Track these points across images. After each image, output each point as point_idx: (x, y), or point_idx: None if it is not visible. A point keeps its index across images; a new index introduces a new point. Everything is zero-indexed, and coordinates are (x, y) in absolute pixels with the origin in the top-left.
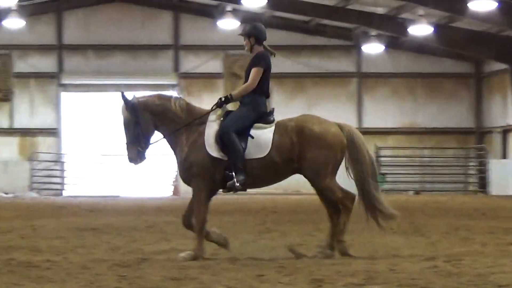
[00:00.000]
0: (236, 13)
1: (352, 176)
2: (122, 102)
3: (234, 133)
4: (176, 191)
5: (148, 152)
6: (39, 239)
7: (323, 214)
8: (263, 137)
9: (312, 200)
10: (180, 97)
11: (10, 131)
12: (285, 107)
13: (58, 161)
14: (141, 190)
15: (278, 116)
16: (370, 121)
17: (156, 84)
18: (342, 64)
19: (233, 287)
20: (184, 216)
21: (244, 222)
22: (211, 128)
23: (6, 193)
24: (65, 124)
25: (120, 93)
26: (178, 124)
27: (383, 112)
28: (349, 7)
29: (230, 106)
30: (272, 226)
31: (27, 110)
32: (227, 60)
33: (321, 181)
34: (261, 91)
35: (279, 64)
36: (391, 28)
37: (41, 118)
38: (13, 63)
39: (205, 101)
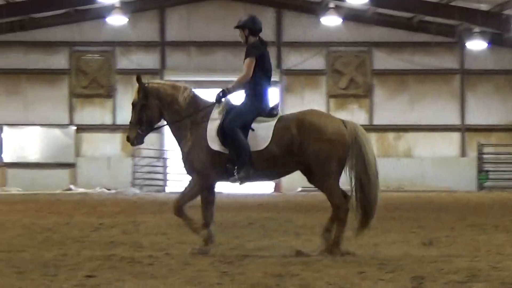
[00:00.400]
0: (339, 10)
1: (351, 175)
2: (136, 84)
3: (238, 129)
4: (278, 188)
5: (147, 137)
6: (141, 235)
7: (425, 211)
8: (263, 130)
9: (415, 196)
10: (188, 88)
11: (113, 128)
12: (387, 103)
13: (160, 157)
14: (243, 187)
15: (381, 113)
16: (473, 118)
17: None
18: (445, 61)
19: (334, 284)
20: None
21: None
22: (213, 123)
23: (109, 189)
24: None
25: (136, 76)
26: (181, 116)
27: (486, 109)
28: (453, 3)
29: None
30: (374, 222)
31: (129, 106)
32: (329, 56)
33: (325, 179)
34: (265, 78)
35: (382, 61)
36: (495, 24)
37: None
38: (116, 60)
39: (307, 97)
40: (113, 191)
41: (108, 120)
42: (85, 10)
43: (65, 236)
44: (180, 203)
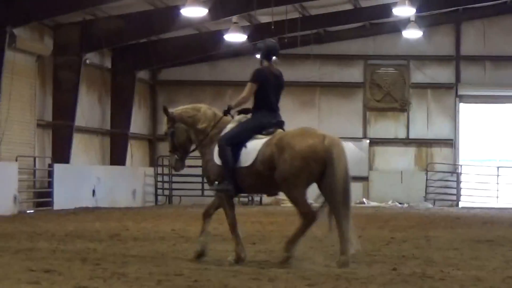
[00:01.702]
0: None
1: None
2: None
3: (227, 145)
4: None
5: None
6: (433, 250)
7: None
8: (254, 147)
9: None
10: (209, 108)
11: (406, 142)
12: None
13: (453, 172)
14: None
15: None
16: None
17: None
18: None
19: None
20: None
21: None
22: None
23: (401, 203)
24: (461, 135)
25: (163, 107)
26: (203, 135)
27: None
28: None
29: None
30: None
31: (423, 121)
32: None
33: (289, 191)
34: (261, 105)
35: None
36: None
37: (437, 128)
38: (410, 74)
39: None
40: (405, 205)
41: (401, 134)
42: (381, 23)
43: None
44: (231, 227)
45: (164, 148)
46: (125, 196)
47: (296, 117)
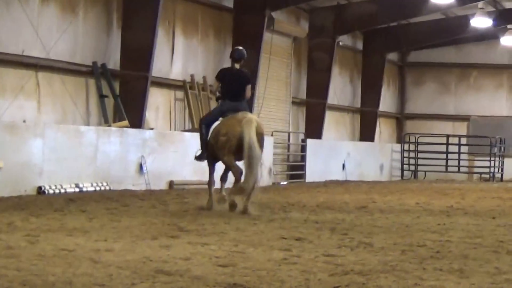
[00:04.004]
0: None
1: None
2: None
3: (203, 124)
4: None
5: None
6: None
7: None
8: (213, 126)
9: None
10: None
11: None
12: None
13: None
14: None
15: None
16: None
17: None
18: None
19: None
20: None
21: None
22: None
23: None
24: None
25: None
26: None
27: None
28: None
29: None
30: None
31: None
32: None
33: (221, 158)
34: (224, 95)
35: None
36: None
37: None
38: None
39: None
40: None
41: None
42: None
43: None
44: (208, 182)
45: (411, 126)
46: (373, 170)
47: None
